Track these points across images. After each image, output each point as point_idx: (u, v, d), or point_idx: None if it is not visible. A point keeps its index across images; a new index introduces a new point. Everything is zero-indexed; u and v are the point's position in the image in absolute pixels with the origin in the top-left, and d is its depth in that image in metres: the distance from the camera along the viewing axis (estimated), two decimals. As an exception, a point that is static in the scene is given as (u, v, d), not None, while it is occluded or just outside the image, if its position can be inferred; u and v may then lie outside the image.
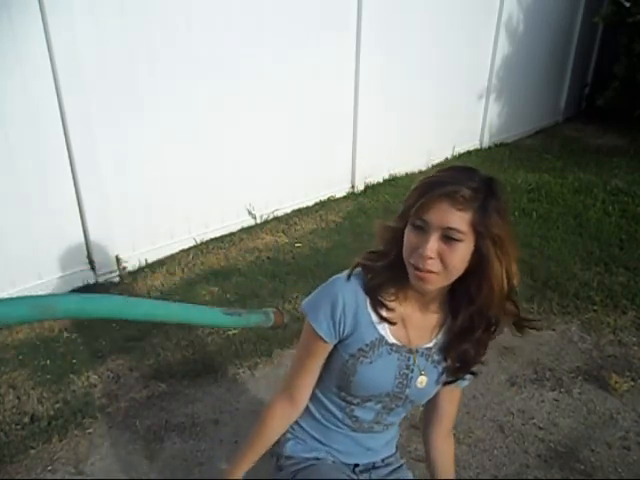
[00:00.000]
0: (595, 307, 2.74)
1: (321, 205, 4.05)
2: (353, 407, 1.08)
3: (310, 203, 4.02)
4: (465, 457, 1.86)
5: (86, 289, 2.82)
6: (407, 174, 4.60)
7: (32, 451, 1.84)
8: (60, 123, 2.55)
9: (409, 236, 0.92)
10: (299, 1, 3.41)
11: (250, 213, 3.63)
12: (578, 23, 6.46)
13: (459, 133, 5.36)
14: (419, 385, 1.05)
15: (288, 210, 3.88)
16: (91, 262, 2.86)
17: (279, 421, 1.10)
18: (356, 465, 1.17)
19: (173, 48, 2.88)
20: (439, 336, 1.04)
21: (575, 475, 1.80)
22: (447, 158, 5.16)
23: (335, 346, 1.03)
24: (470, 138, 5.60)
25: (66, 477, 1.76)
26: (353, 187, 4.32)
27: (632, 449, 1.90)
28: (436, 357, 1.05)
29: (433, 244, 0.88)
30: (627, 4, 5.50)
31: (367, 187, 4.36)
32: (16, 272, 2.61)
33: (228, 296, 2.78)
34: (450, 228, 0.87)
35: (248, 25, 3.17)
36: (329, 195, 4.16)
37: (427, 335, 1.04)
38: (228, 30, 3.08)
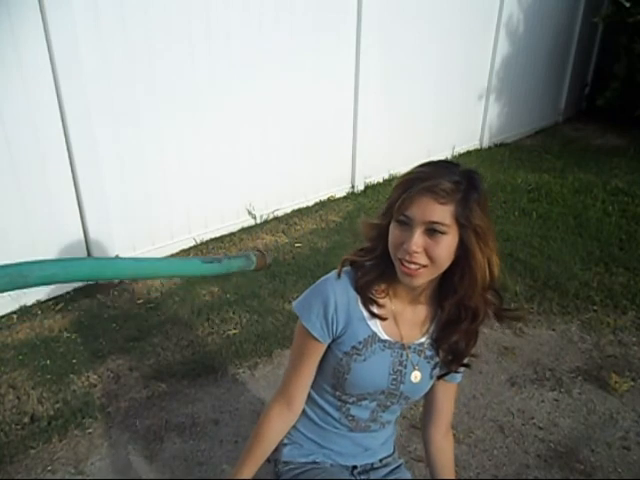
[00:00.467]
0: (595, 307, 2.74)
1: (321, 205, 4.05)
2: (349, 406, 1.08)
3: (310, 203, 4.02)
4: (465, 457, 1.86)
5: (86, 289, 2.82)
6: (407, 174, 4.59)
7: (32, 451, 1.84)
8: (60, 123, 2.55)
9: (394, 232, 0.93)
10: (299, 2, 3.41)
11: (250, 213, 3.64)
12: (578, 23, 6.46)
13: (459, 133, 5.36)
14: (414, 380, 1.05)
15: (288, 210, 3.88)
16: (91, 262, 2.86)
17: (277, 426, 1.08)
18: (354, 467, 1.17)
19: (174, 48, 2.88)
20: (430, 330, 1.05)
21: (575, 475, 1.80)
22: (447, 158, 5.16)
23: (328, 345, 1.03)
24: (470, 138, 5.60)
25: (66, 477, 1.76)
26: (353, 187, 4.32)
27: (632, 449, 1.90)
28: (428, 352, 1.05)
29: (418, 239, 0.89)
30: (627, 4, 5.50)
31: (367, 187, 4.37)
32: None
33: (228, 296, 2.78)
34: (433, 222, 0.88)
35: (248, 25, 3.17)
36: (329, 195, 4.17)
37: (418, 330, 1.04)
38: (228, 30, 3.09)
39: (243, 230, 3.58)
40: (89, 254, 2.84)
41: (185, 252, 3.25)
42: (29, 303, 2.66)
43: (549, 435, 1.96)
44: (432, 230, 0.89)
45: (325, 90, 3.79)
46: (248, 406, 2.08)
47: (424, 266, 0.91)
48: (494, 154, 5.53)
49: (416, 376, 1.05)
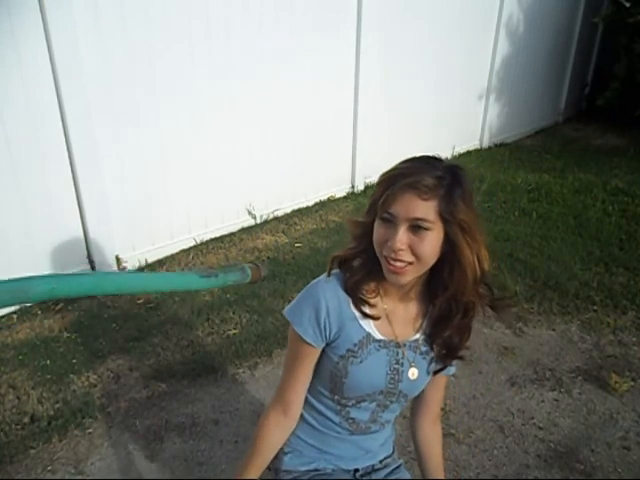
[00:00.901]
0: (595, 307, 2.74)
1: (321, 205, 4.05)
2: (348, 409, 1.08)
3: (310, 203, 4.02)
4: (465, 457, 1.86)
5: (86, 289, 2.82)
6: (407, 174, 4.59)
7: (32, 451, 1.84)
8: (60, 123, 2.55)
9: (378, 230, 0.92)
10: (299, 2, 3.41)
11: (250, 213, 3.64)
12: (578, 23, 6.47)
13: (459, 133, 5.36)
14: (411, 377, 1.05)
15: (288, 210, 3.88)
16: (91, 262, 2.86)
17: (276, 434, 1.07)
18: (356, 470, 1.16)
19: (174, 48, 2.88)
20: (423, 326, 1.05)
21: (575, 475, 1.80)
22: (447, 158, 5.10)
23: (323, 350, 1.02)
24: (470, 138, 5.60)
25: (66, 477, 1.76)
26: (353, 187, 4.32)
27: (632, 449, 1.90)
28: (423, 348, 1.05)
29: (402, 236, 0.88)
30: (627, 4, 5.50)
31: (367, 187, 4.36)
32: (16, 272, 2.60)
33: (228, 296, 2.78)
34: (417, 218, 0.87)
35: (248, 25, 3.17)
36: (329, 195, 4.16)
37: (412, 327, 1.04)
38: (228, 30, 3.09)
39: (243, 230, 3.58)
40: (89, 254, 2.84)
41: (185, 252, 3.25)
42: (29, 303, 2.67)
43: (549, 435, 1.96)
44: (416, 227, 0.88)
45: (325, 90, 3.79)
46: (248, 406, 2.08)
47: (410, 263, 0.90)
48: (494, 154, 5.53)
49: (413, 373, 1.05)
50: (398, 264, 0.90)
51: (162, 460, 1.83)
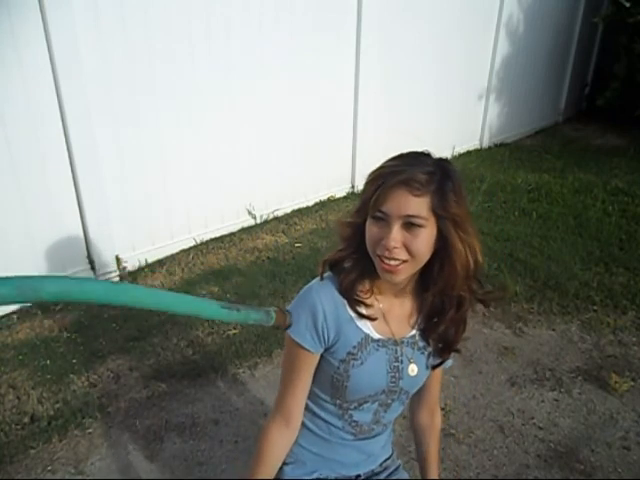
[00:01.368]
0: (595, 307, 2.74)
1: (321, 205, 4.05)
2: (351, 412, 1.06)
3: (310, 203, 4.02)
4: (465, 457, 1.86)
5: (86, 289, 2.82)
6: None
7: (32, 451, 1.84)
8: (60, 123, 2.55)
9: (371, 229, 0.91)
10: (299, 2, 3.41)
11: (250, 213, 3.64)
12: (578, 23, 6.47)
13: (459, 133, 5.36)
14: (411, 374, 1.04)
15: (288, 210, 3.88)
16: (91, 262, 2.86)
17: (279, 444, 1.04)
18: (358, 476, 1.16)
19: (174, 48, 2.88)
20: (419, 322, 1.04)
21: (575, 475, 1.80)
22: (447, 158, 5.15)
23: (322, 355, 1.01)
24: (470, 138, 5.60)
25: (66, 477, 1.76)
26: (353, 187, 4.32)
27: (632, 449, 1.90)
28: (421, 344, 1.05)
29: (396, 234, 0.87)
30: (627, 4, 5.50)
31: (367, 187, 4.36)
32: (15, 272, 2.59)
33: (228, 296, 2.78)
34: (410, 215, 0.87)
35: (248, 25, 3.17)
36: (329, 195, 4.16)
37: (407, 323, 1.04)
38: (228, 30, 3.09)
39: (243, 230, 3.58)
40: (89, 254, 2.84)
41: (185, 252, 3.25)
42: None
43: (549, 435, 1.96)
44: (410, 224, 0.87)
45: (325, 90, 3.79)
46: (248, 406, 2.08)
47: (404, 261, 0.89)
48: (494, 154, 5.53)
49: (413, 369, 1.04)
50: (393, 262, 0.89)
51: (162, 460, 1.83)
